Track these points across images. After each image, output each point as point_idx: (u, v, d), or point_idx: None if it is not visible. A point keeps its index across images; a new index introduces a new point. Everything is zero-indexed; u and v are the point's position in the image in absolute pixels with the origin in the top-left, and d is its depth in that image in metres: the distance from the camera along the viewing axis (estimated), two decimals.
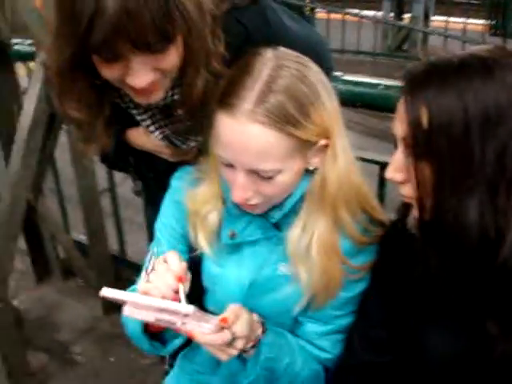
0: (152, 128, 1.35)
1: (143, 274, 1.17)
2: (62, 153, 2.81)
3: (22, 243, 2.98)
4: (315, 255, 1.17)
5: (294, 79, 1.06)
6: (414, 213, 1.02)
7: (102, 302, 2.87)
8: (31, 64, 2.64)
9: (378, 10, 8.53)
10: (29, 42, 2.58)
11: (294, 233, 1.18)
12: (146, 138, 1.40)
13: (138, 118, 1.34)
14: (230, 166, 1.09)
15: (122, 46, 1.03)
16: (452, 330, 1.06)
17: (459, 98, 0.90)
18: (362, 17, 8.08)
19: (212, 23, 1.16)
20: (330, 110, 1.10)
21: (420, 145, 0.94)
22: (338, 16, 7.92)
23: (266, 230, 1.21)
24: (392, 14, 8.49)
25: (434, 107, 0.91)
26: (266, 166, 1.06)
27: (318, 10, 8.20)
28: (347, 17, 7.90)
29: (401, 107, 0.97)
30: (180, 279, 1.10)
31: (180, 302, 1.07)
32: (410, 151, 0.96)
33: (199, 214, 1.23)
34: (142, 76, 1.10)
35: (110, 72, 1.11)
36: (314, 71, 1.11)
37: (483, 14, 8.10)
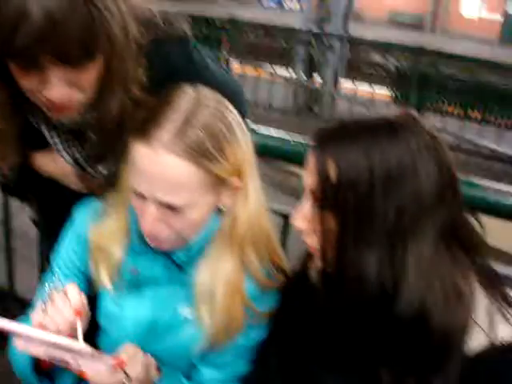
0: (62, 151, 1.31)
1: (39, 304, 1.11)
2: None
3: None
4: (220, 295, 1.16)
5: (213, 117, 1.08)
6: (317, 263, 1.05)
7: None
8: None
9: (291, 68, 8.82)
10: None
11: (201, 275, 1.17)
12: (54, 163, 1.35)
13: (50, 139, 1.30)
14: (142, 196, 1.08)
15: (42, 56, 1.01)
16: (348, 379, 1.07)
17: (366, 156, 0.94)
18: (277, 76, 8.32)
19: (136, 50, 1.16)
20: (244, 150, 1.12)
21: (327, 197, 0.98)
22: (253, 71, 8.14)
23: (168, 270, 1.19)
24: (303, 75, 8.80)
25: (342, 162, 0.96)
26: (178, 199, 1.06)
27: (233, 62, 8.39)
28: (261, 73, 8.15)
29: (311, 160, 1.01)
30: (78, 313, 1.06)
31: (76, 337, 1.03)
32: (318, 203, 1.00)
33: (103, 249, 1.20)
34: (58, 89, 1.07)
35: (25, 81, 1.08)
36: (232, 112, 1.13)
37: (389, 83, 8.58)
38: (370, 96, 8.00)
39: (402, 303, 0.95)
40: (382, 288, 0.96)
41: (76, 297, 1.08)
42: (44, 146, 1.33)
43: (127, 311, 1.21)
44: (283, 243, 1.94)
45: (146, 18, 1.23)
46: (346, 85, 8.85)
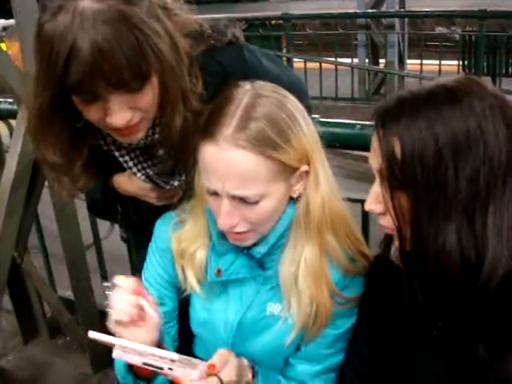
0: (134, 169, 1.36)
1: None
2: (46, 208, 2.80)
3: (7, 303, 2.93)
4: (303, 284, 1.17)
5: (273, 106, 1.09)
6: (396, 243, 1.03)
7: (91, 360, 2.80)
8: (13, 122, 2.65)
9: (353, 57, 8.70)
10: (10, 100, 2.60)
11: (283, 266, 1.18)
12: (130, 182, 1.42)
13: (121, 159, 1.35)
14: (215, 194, 1.10)
15: (98, 86, 1.05)
16: (443, 359, 1.05)
17: (429, 127, 0.92)
18: (339, 64, 8.23)
19: (189, 63, 1.19)
20: (308, 136, 1.13)
21: (395, 175, 0.96)
22: (315, 64, 8.08)
23: (251, 269, 1.21)
24: (367, 60, 8.66)
25: (406, 138, 0.93)
26: (249, 190, 1.07)
27: (295, 59, 8.37)
28: (324, 64, 8.07)
29: (374, 141, 1.00)
30: (138, 293, 1.10)
31: (149, 313, 1.09)
32: (387, 182, 0.98)
33: (186, 253, 1.24)
34: (120, 115, 1.12)
35: (89, 113, 1.13)
36: (291, 100, 1.14)
37: (456, 54, 8.28)
38: (437, 70, 7.74)
39: (487, 272, 0.92)
40: (465, 259, 0.93)
41: (126, 281, 1.11)
42: (118, 166, 1.39)
43: (216, 315, 1.24)
44: (365, 231, 1.93)
45: (195, 29, 1.26)
46: (412, 62, 8.64)
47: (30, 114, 1.19)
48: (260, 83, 1.15)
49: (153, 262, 1.33)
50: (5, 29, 12.34)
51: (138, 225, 1.56)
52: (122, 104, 1.11)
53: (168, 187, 1.38)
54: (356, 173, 5.32)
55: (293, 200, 1.17)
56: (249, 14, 10.24)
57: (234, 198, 1.08)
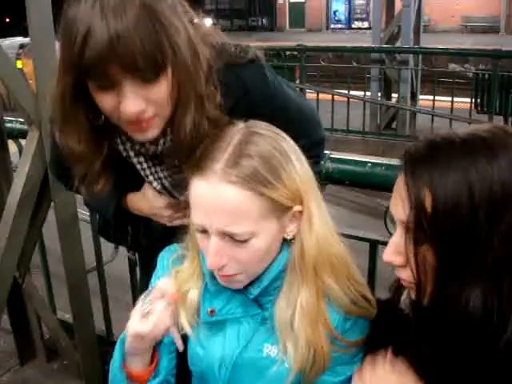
0: (151, 178, 1.37)
1: (137, 315, 1.16)
2: (51, 228, 2.78)
3: (6, 322, 2.90)
4: (299, 328, 1.14)
5: (265, 144, 1.08)
6: (411, 296, 0.99)
7: None
8: (23, 141, 2.65)
9: (366, 90, 8.74)
10: (21, 120, 2.61)
11: (278, 308, 1.15)
12: (144, 200, 1.42)
13: (138, 166, 1.36)
14: (204, 231, 1.08)
15: (113, 70, 1.07)
16: None
17: (465, 181, 0.87)
18: (351, 96, 8.27)
19: (207, 71, 1.21)
20: (301, 175, 1.10)
21: (423, 229, 0.90)
22: (328, 96, 8.11)
23: (247, 308, 1.18)
24: (380, 94, 8.70)
25: (439, 190, 0.88)
26: (239, 228, 1.05)
27: (307, 90, 8.41)
28: (336, 97, 8.10)
29: (401, 189, 0.94)
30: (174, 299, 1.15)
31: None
32: (412, 235, 0.92)
33: (181, 293, 1.21)
34: (134, 102, 1.13)
35: (104, 101, 1.14)
36: (285, 138, 1.13)
37: (468, 92, 8.30)
38: (449, 107, 7.76)
39: (510, 335, 0.87)
40: (487, 321, 0.88)
41: (167, 283, 1.16)
42: (136, 181, 1.41)
43: (212, 353, 1.21)
44: (372, 271, 1.89)
45: (217, 42, 1.28)
46: (424, 98, 8.66)
47: (54, 101, 1.21)
48: (253, 122, 1.14)
49: None
50: (22, 46, 12.53)
51: (147, 248, 1.55)
52: (136, 92, 1.12)
53: (183, 198, 1.37)
54: (365, 207, 5.30)
55: (287, 243, 1.14)
56: (264, 44, 10.33)
57: (223, 235, 1.06)
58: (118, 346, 1.23)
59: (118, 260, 3.46)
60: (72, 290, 2.73)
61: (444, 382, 0.98)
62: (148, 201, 1.41)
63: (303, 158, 1.14)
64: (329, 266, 1.15)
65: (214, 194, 1.04)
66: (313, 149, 1.50)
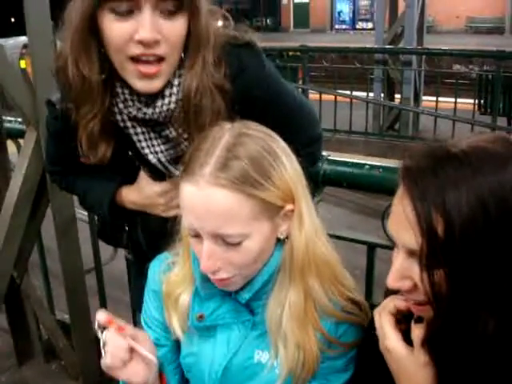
0: (147, 151, 1.37)
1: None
2: (51, 228, 2.78)
3: (4, 322, 2.90)
4: (287, 328, 1.13)
5: (254, 145, 1.06)
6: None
7: None
8: (21, 141, 2.65)
9: (369, 91, 8.71)
10: (20, 120, 2.60)
11: (269, 311, 1.14)
12: (138, 190, 1.44)
13: (134, 137, 1.36)
14: (197, 236, 1.07)
15: None
16: None
17: (477, 199, 0.82)
18: (354, 97, 8.25)
19: (213, 41, 1.27)
20: (291, 174, 1.09)
21: (436, 255, 0.84)
22: (330, 97, 8.10)
23: (238, 313, 1.17)
24: (382, 95, 8.68)
25: (453, 214, 0.82)
26: (231, 230, 1.04)
27: (310, 91, 8.40)
28: (339, 97, 8.09)
29: (408, 212, 0.87)
30: (109, 322, 1.09)
31: (142, 353, 1.09)
32: (422, 260, 0.87)
33: (171, 297, 1.21)
34: (151, 27, 1.16)
35: (120, 29, 1.18)
36: (274, 138, 1.11)
37: (472, 93, 8.26)
38: (452, 108, 7.73)
39: None
40: (501, 348, 0.85)
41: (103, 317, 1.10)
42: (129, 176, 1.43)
43: (202, 359, 1.20)
44: (369, 274, 1.88)
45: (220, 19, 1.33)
46: (427, 99, 8.64)
47: (73, 32, 1.23)
48: (240, 122, 1.13)
49: (148, 305, 1.30)
50: (26, 46, 12.55)
51: (144, 245, 1.55)
52: (153, 21, 1.16)
53: (178, 173, 1.36)
54: (365, 207, 5.29)
55: (281, 242, 1.13)
56: (267, 44, 10.32)
57: (215, 238, 1.05)
58: None
59: (117, 260, 3.45)
60: (70, 291, 2.73)
61: None
62: (142, 190, 1.42)
63: (293, 156, 1.12)
64: (315, 268, 1.14)
65: (204, 199, 1.03)
66: (311, 145, 1.50)
